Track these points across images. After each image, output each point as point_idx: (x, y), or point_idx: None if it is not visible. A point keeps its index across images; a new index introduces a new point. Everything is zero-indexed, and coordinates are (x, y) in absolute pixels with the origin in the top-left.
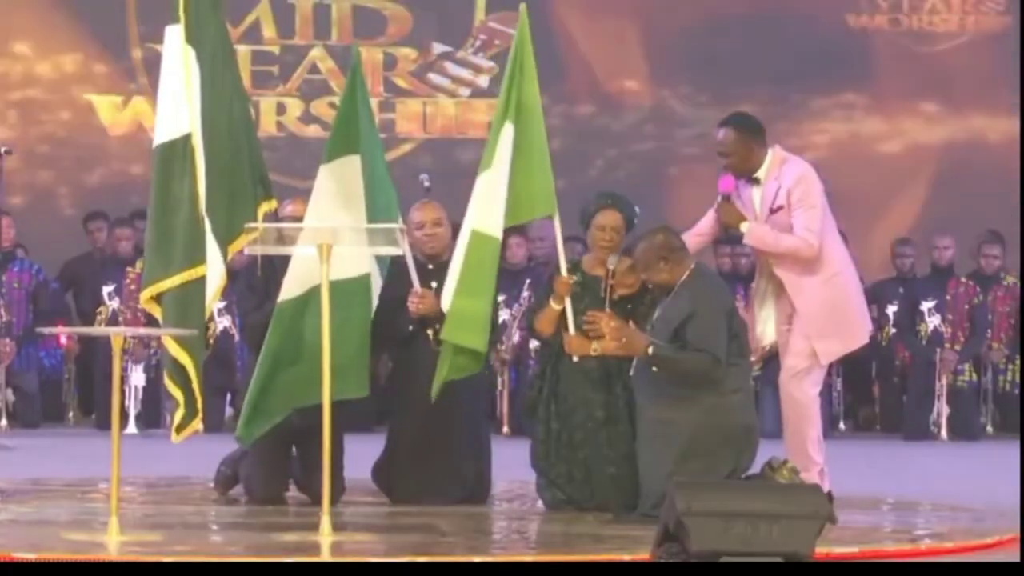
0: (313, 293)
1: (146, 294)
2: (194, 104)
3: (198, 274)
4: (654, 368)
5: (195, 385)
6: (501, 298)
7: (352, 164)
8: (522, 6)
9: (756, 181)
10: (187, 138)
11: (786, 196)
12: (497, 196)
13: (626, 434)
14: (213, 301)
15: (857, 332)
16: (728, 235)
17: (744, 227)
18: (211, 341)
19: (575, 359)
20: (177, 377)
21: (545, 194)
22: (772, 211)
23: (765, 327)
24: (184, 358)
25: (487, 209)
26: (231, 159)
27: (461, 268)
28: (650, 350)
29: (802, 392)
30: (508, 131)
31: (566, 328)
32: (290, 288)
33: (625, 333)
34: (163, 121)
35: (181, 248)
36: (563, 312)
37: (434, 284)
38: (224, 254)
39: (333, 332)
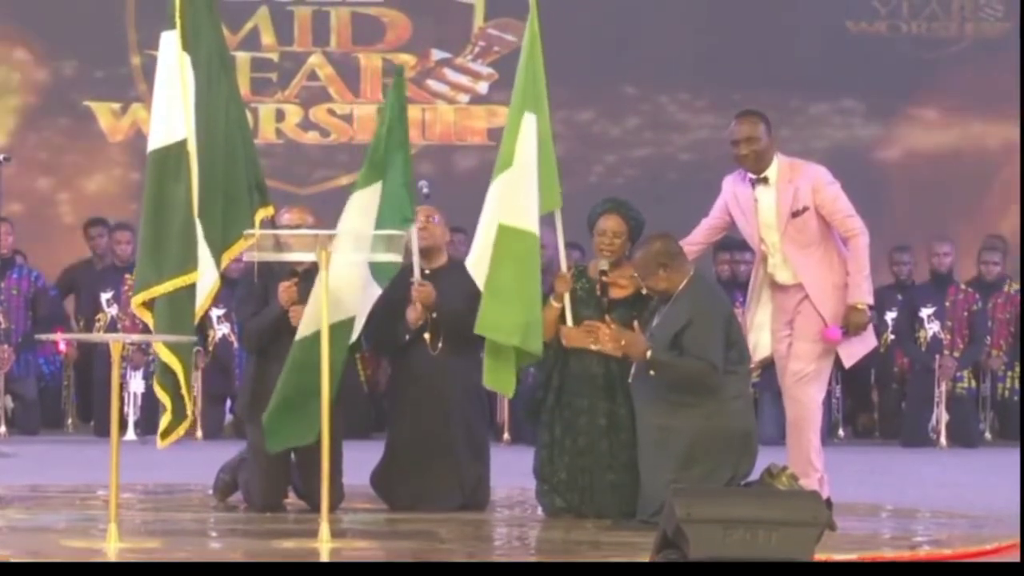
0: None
1: (138, 299)
2: (190, 110)
3: (190, 280)
4: (651, 372)
5: (184, 391)
6: None
7: (374, 191)
8: None
9: (764, 181)
10: (182, 144)
11: (809, 197)
12: (527, 190)
13: (628, 442)
14: (204, 307)
15: (871, 332)
16: (727, 241)
17: (856, 301)
18: (210, 348)
19: (582, 351)
20: (166, 382)
21: (555, 188)
22: (794, 215)
23: (759, 337)
24: (175, 363)
25: (516, 204)
26: (226, 165)
27: (492, 264)
28: (647, 354)
29: (808, 396)
30: (530, 121)
31: (563, 321)
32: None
33: (624, 337)
34: (158, 126)
35: (174, 254)
36: (563, 310)
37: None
38: (218, 261)
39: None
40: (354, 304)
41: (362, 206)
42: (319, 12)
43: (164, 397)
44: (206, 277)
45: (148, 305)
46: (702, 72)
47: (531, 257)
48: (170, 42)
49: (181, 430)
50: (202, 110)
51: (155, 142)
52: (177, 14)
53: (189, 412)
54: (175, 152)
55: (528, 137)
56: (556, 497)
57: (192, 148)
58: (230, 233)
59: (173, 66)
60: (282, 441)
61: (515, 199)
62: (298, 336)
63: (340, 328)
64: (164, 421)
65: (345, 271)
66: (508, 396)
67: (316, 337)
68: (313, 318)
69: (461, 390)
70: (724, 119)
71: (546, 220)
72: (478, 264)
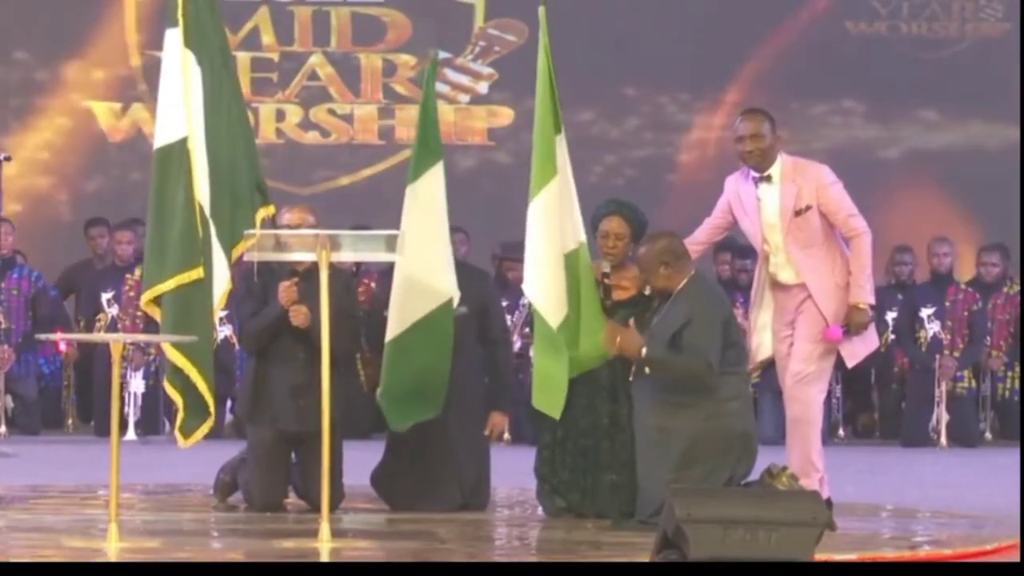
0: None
1: (146, 297)
2: (193, 107)
3: (193, 277)
4: (647, 369)
5: (202, 388)
6: (503, 304)
7: (436, 173)
8: (541, 9)
9: (768, 179)
10: (183, 142)
11: (813, 196)
12: (572, 206)
13: (629, 443)
14: (220, 305)
15: (873, 332)
16: (726, 242)
17: (858, 301)
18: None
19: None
20: (177, 382)
21: None
22: (797, 213)
23: (762, 337)
24: (183, 362)
25: (565, 225)
26: (232, 163)
27: (583, 290)
28: (643, 351)
29: (809, 397)
30: (562, 141)
31: None
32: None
33: (620, 334)
34: (162, 125)
35: (177, 251)
36: None
37: None
38: (229, 259)
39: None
40: (447, 288)
41: (438, 182)
42: (319, 12)
43: (176, 395)
44: (220, 278)
45: (157, 303)
46: (702, 73)
47: (588, 268)
48: (173, 39)
49: (205, 428)
50: (207, 108)
51: (160, 140)
52: (179, 11)
53: (212, 410)
54: (177, 150)
55: (563, 155)
56: (557, 497)
57: (193, 146)
58: (236, 232)
59: (176, 64)
60: (408, 418)
61: (574, 216)
62: (390, 336)
63: (441, 312)
64: (179, 419)
65: (429, 258)
66: (556, 418)
67: (411, 332)
68: (400, 316)
69: (461, 391)
70: (724, 120)
71: None
72: (546, 299)
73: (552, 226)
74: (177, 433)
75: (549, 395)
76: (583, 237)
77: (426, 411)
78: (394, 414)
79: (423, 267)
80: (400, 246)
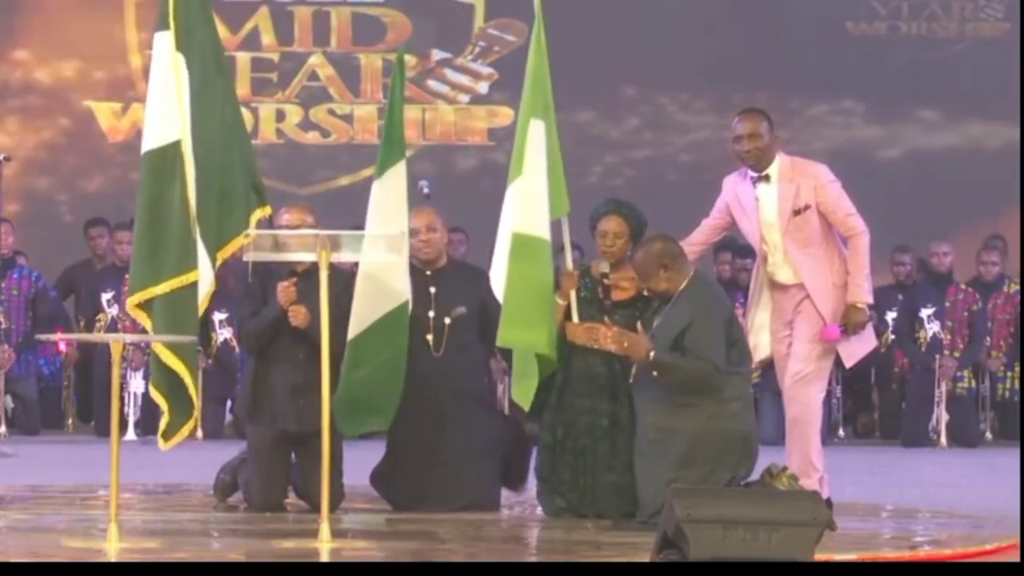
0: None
1: (134, 300)
2: (184, 110)
3: (189, 280)
4: (654, 373)
5: (192, 392)
6: None
7: (399, 171)
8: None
9: (766, 178)
10: (177, 144)
11: (811, 195)
12: (537, 197)
13: (629, 443)
14: (203, 307)
15: (871, 332)
16: (726, 242)
17: (856, 300)
18: (213, 351)
19: (586, 350)
20: (164, 385)
21: (563, 194)
22: (795, 212)
23: (759, 337)
24: (178, 365)
25: (528, 212)
26: (222, 166)
27: (508, 274)
28: (651, 355)
29: (808, 396)
30: (538, 128)
31: (569, 318)
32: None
33: (627, 338)
34: (152, 128)
35: (173, 255)
36: (568, 308)
37: (432, 290)
38: (213, 261)
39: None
40: (404, 289)
41: (396, 181)
42: (319, 12)
43: (160, 399)
44: (204, 279)
45: (144, 307)
46: (702, 73)
47: (545, 264)
48: (164, 43)
49: (185, 430)
50: (196, 111)
51: (150, 143)
52: (171, 14)
53: (196, 412)
54: (171, 153)
55: (536, 144)
56: (557, 497)
57: (187, 149)
58: (225, 234)
59: (167, 67)
60: (359, 426)
61: (527, 206)
62: (350, 336)
63: (397, 314)
64: (163, 423)
65: (387, 258)
66: (526, 409)
67: (369, 332)
68: (361, 315)
69: (463, 392)
70: (724, 120)
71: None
72: (499, 276)
73: (511, 217)
74: (159, 438)
75: (521, 387)
76: (547, 235)
77: (377, 421)
78: (346, 420)
79: (381, 266)
80: (400, 246)
